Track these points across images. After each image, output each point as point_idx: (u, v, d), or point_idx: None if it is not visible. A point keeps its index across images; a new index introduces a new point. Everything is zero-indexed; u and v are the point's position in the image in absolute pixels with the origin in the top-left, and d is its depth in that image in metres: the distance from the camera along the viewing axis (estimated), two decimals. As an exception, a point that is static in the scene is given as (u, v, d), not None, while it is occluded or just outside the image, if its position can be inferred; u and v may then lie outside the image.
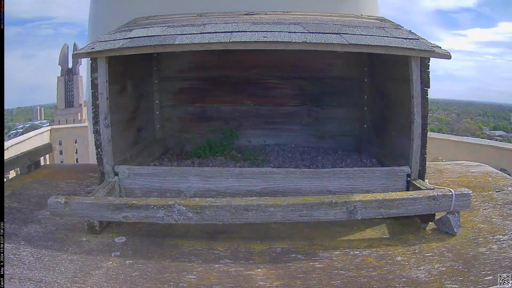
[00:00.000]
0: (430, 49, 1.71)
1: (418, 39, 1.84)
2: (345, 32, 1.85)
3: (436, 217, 1.63)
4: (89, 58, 1.77)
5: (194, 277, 1.31)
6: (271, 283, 1.28)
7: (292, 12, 2.53)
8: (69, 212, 1.53)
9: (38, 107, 51.58)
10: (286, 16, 2.36)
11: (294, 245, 1.52)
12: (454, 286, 1.24)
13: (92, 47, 1.76)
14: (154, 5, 3.74)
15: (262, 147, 2.75)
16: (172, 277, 1.31)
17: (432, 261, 1.39)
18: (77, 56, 1.77)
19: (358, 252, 1.47)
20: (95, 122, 1.79)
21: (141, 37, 1.84)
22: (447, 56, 1.71)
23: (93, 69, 1.76)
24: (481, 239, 1.54)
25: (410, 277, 1.29)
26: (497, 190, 2.06)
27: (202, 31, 1.86)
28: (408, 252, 1.45)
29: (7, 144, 4.78)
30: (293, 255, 1.45)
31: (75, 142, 6.67)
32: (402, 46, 1.73)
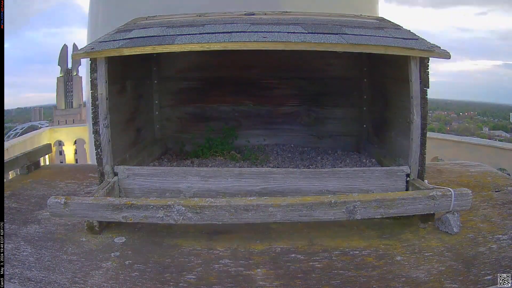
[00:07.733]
0: (429, 49, 1.72)
1: (418, 39, 1.85)
2: (344, 32, 1.86)
3: (436, 217, 1.64)
4: (89, 59, 1.77)
5: (194, 277, 1.31)
6: (271, 283, 1.28)
7: (291, 12, 2.53)
8: (68, 213, 1.53)
9: (38, 108, 51.60)
10: (286, 16, 2.36)
11: (294, 245, 1.52)
12: (453, 285, 1.24)
13: (92, 47, 1.76)
14: (154, 5, 3.75)
15: (261, 147, 2.76)
16: (172, 277, 1.31)
17: (431, 260, 1.39)
18: (76, 57, 1.76)
19: (357, 252, 1.47)
20: (95, 122, 1.79)
21: (141, 37, 1.84)
22: (446, 56, 1.71)
23: (93, 69, 1.76)
24: (481, 238, 1.54)
25: (410, 277, 1.29)
26: (496, 189, 2.06)
27: (202, 32, 1.86)
28: (407, 252, 1.45)
29: (6, 144, 4.79)
30: (293, 255, 1.45)
31: (75, 143, 6.68)
32: (402, 46, 1.73)
